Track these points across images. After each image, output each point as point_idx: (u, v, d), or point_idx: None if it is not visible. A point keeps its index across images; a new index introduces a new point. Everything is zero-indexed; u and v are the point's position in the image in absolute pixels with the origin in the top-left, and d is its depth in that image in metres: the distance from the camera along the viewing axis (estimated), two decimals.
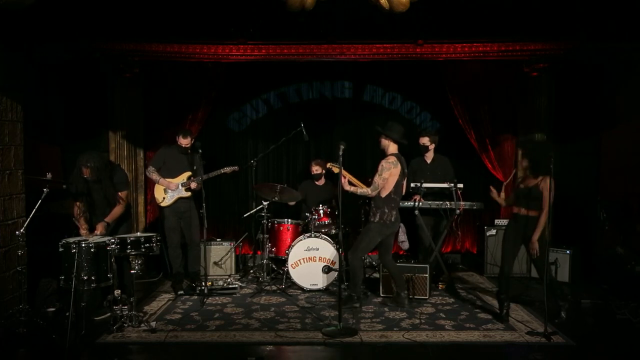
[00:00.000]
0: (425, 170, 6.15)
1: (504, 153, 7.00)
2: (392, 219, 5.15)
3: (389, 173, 5.03)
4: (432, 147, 6.14)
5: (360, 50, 6.41)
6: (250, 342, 4.39)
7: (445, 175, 6.09)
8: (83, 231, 5.05)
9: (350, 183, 5.21)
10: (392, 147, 5.15)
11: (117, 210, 5.19)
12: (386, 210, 5.10)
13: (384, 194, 5.09)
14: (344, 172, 5.20)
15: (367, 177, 5.77)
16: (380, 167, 5.05)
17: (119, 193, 5.22)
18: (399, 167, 5.08)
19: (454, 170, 6.19)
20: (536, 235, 4.71)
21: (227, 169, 6.00)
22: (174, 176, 5.91)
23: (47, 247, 5.01)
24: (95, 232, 5.01)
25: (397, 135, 5.10)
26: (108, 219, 5.10)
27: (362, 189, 5.12)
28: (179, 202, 5.89)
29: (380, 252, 5.39)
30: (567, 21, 5.59)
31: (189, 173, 5.91)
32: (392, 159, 5.07)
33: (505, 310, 4.92)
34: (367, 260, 6.54)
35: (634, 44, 5.91)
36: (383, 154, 5.20)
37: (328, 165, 5.54)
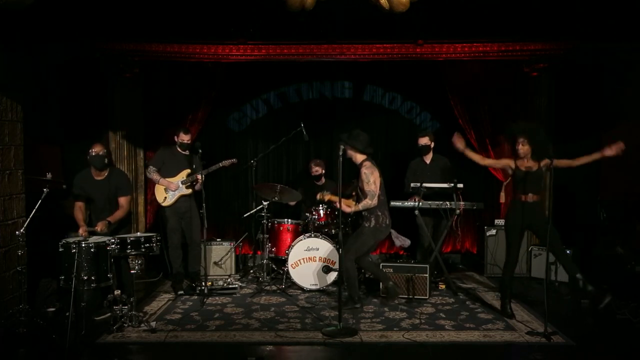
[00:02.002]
0: (425, 170, 6.14)
1: (504, 153, 6.97)
2: (387, 222, 5.18)
3: (374, 177, 5.06)
4: (432, 145, 6.15)
5: (360, 50, 6.41)
6: (250, 342, 4.39)
7: (445, 175, 6.08)
8: (82, 232, 5.04)
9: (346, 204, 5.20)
10: (360, 156, 5.16)
11: (119, 213, 5.21)
12: (379, 213, 5.12)
13: None
14: (333, 198, 5.23)
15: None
16: (364, 176, 5.06)
17: (120, 198, 5.24)
18: (377, 168, 5.13)
19: (454, 170, 6.19)
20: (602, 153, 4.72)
21: (226, 162, 5.99)
22: (173, 175, 5.91)
23: (47, 247, 5.01)
24: (96, 228, 5.01)
25: (361, 145, 5.09)
26: (111, 218, 5.12)
27: (362, 203, 5.09)
28: (180, 202, 5.89)
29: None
30: (567, 21, 5.59)
31: (188, 171, 5.92)
32: (368, 163, 5.11)
33: (509, 305, 4.99)
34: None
35: (634, 44, 5.91)
36: (351, 166, 5.21)
37: (318, 196, 5.45)
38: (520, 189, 4.88)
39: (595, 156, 4.77)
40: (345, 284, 5.24)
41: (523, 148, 4.85)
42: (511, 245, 4.99)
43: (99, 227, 5.02)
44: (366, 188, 5.06)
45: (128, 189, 5.42)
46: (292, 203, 6.64)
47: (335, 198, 5.18)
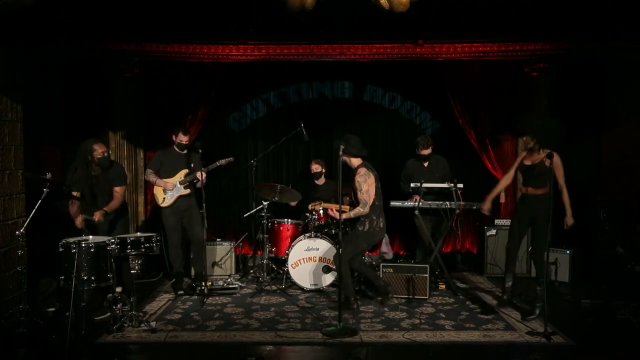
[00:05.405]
0: (423, 171, 6.12)
1: (504, 153, 7.01)
2: (381, 225, 5.19)
3: (367, 185, 5.05)
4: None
5: (360, 50, 6.42)
6: (250, 342, 4.39)
7: (444, 175, 6.08)
8: (79, 223, 5.06)
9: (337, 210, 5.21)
10: (355, 160, 5.17)
11: (115, 203, 5.23)
12: (374, 217, 5.13)
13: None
14: (326, 205, 5.30)
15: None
16: (357, 184, 5.06)
17: (115, 188, 5.25)
18: (372, 174, 5.12)
19: (451, 170, 6.18)
20: (569, 213, 4.94)
21: (223, 161, 5.97)
22: (171, 176, 5.89)
23: (47, 247, 5.01)
24: (93, 217, 5.03)
25: (355, 149, 5.11)
26: (107, 208, 5.14)
27: (354, 211, 5.09)
28: (180, 201, 5.88)
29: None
30: (568, 21, 5.59)
31: (186, 171, 5.90)
32: (363, 170, 5.10)
33: (507, 295, 5.10)
34: (367, 260, 6.53)
35: (635, 44, 5.91)
36: (349, 168, 5.18)
37: (310, 206, 5.55)
38: (523, 182, 5.10)
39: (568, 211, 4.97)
40: (342, 288, 5.25)
41: (529, 144, 5.01)
42: (512, 231, 5.14)
43: (97, 216, 5.04)
44: (359, 196, 5.06)
45: (124, 179, 5.43)
46: (294, 203, 6.63)
47: (327, 205, 5.22)
